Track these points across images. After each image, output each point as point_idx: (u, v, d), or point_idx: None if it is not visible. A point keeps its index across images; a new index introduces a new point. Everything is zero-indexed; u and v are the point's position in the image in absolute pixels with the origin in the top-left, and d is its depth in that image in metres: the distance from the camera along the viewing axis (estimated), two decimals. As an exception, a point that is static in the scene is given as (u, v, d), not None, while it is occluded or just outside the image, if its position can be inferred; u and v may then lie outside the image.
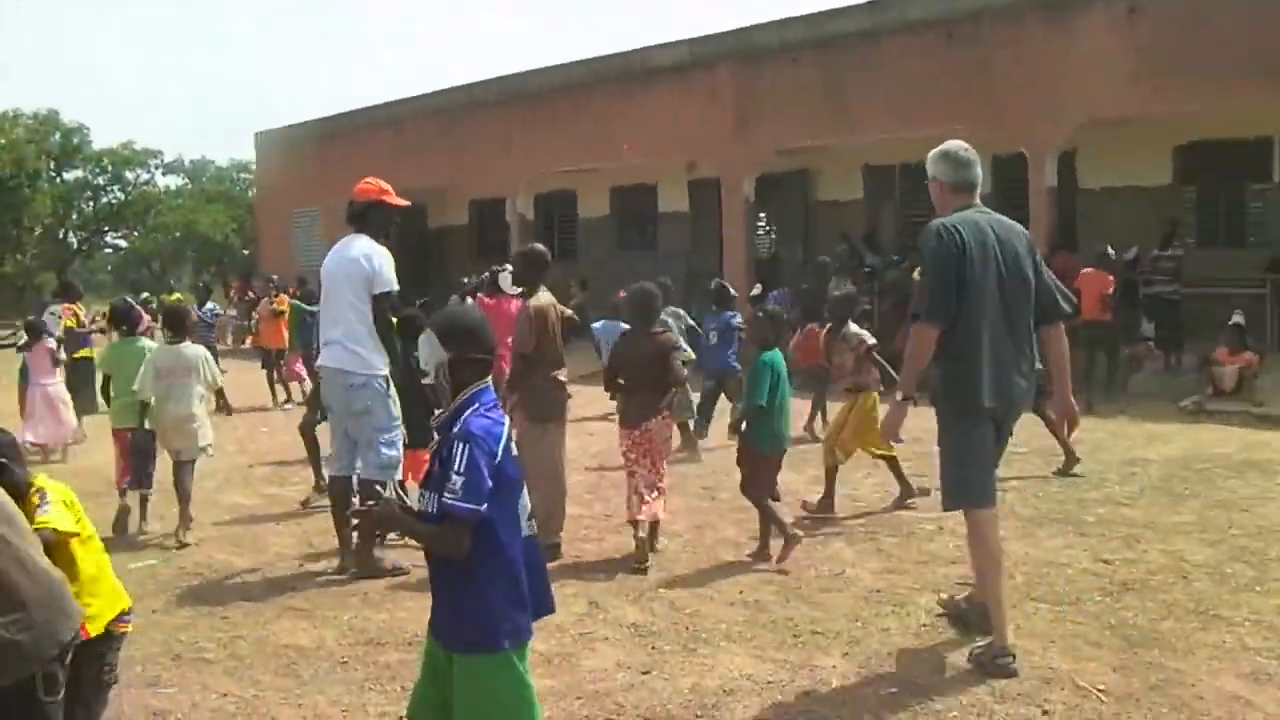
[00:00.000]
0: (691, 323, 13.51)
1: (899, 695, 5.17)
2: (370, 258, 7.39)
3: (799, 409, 9.91)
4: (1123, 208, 18.54)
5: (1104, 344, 14.30)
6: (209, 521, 9.23)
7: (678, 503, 8.99)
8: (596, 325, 13.77)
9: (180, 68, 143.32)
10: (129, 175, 59.01)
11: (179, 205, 61.65)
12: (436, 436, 3.82)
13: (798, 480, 9.65)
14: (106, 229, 61.12)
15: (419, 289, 17.70)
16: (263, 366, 18.14)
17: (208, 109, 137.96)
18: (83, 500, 4.44)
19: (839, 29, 19.89)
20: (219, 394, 14.52)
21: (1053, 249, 16.28)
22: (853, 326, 9.41)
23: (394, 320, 7.56)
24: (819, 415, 12.54)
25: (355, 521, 6.14)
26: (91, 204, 58.33)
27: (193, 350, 9.19)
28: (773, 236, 25.03)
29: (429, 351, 3.80)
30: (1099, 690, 5.10)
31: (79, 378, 15.71)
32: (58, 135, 53.92)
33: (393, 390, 7.53)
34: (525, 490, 3.77)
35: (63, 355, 13.92)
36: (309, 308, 15.64)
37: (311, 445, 10.02)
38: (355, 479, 7.56)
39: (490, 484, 3.55)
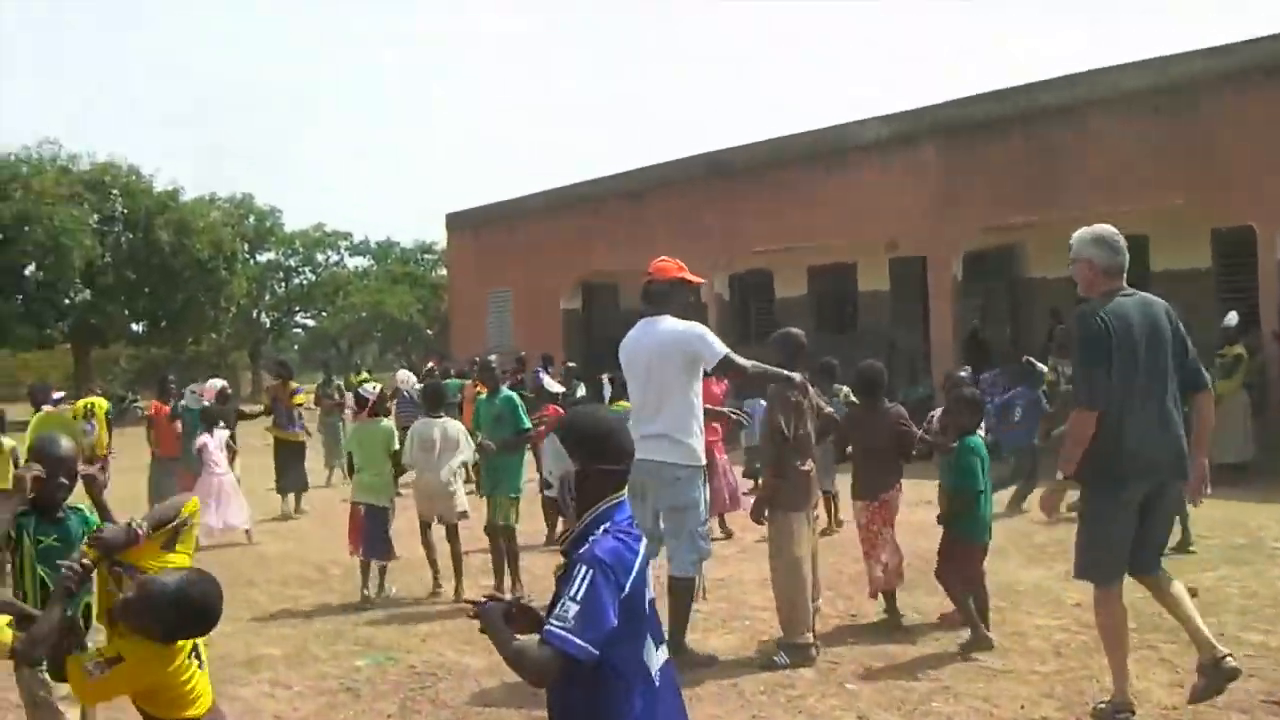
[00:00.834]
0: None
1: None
2: (691, 336, 7.30)
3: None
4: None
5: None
6: (434, 612, 9.51)
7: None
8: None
9: (366, 151, 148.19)
10: (319, 257, 61.33)
11: (366, 286, 63.84)
12: (562, 558, 3.34)
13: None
14: (297, 309, 63.52)
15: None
16: None
17: (394, 191, 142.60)
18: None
19: (1048, 101, 19.70)
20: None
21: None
22: None
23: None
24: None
25: None
26: (283, 285, 60.70)
27: (455, 425, 10.32)
28: (977, 316, 24.78)
29: (553, 459, 3.42)
30: None
31: (288, 458, 16.38)
32: (252, 218, 56.40)
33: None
34: (658, 624, 3.39)
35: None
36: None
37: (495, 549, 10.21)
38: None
39: (614, 622, 3.09)
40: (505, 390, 10.60)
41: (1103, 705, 6.17)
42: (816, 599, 7.86)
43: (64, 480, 4.89)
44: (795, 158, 24.04)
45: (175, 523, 4.42)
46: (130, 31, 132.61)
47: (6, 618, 4.40)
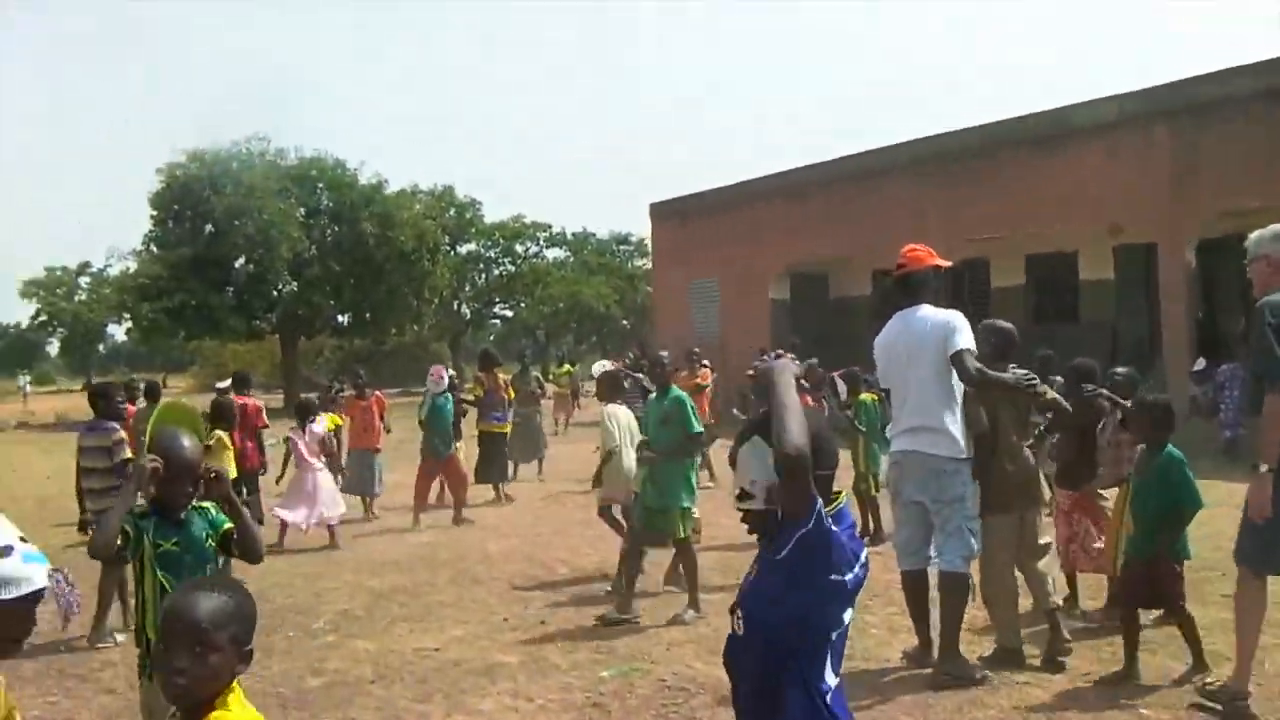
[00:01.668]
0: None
1: None
2: (949, 324, 7.09)
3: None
4: None
5: None
6: (662, 619, 9.21)
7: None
8: None
9: (567, 141, 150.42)
10: (518, 248, 62.46)
11: (564, 277, 64.85)
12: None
13: None
14: (497, 300, 64.83)
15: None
16: None
17: (592, 182, 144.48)
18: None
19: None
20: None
21: None
22: None
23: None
24: None
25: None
26: (483, 276, 61.97)
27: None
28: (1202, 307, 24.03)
29: (755, 467, 3.22)
30: None
31: (492, 449, 16.72)
32: (452, 210, 57.72)
33: None
34: (841, 650, 3.20)
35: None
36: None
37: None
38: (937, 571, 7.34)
39: (854, 574, 3.07)
40: (675, 389, 9.94)
41: (1212, 685, 6.50)
42: (1046, 601, 7.59)
43: (187, 483, 4.70)
44: (1013, 141, 23.68)
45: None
46: (331, 32, 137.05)
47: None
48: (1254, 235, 6.29)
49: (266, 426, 14.17)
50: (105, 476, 9.11)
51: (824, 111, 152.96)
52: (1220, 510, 8.79)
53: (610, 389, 10.88)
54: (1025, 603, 7.64)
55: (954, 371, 7.07)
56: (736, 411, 16.27)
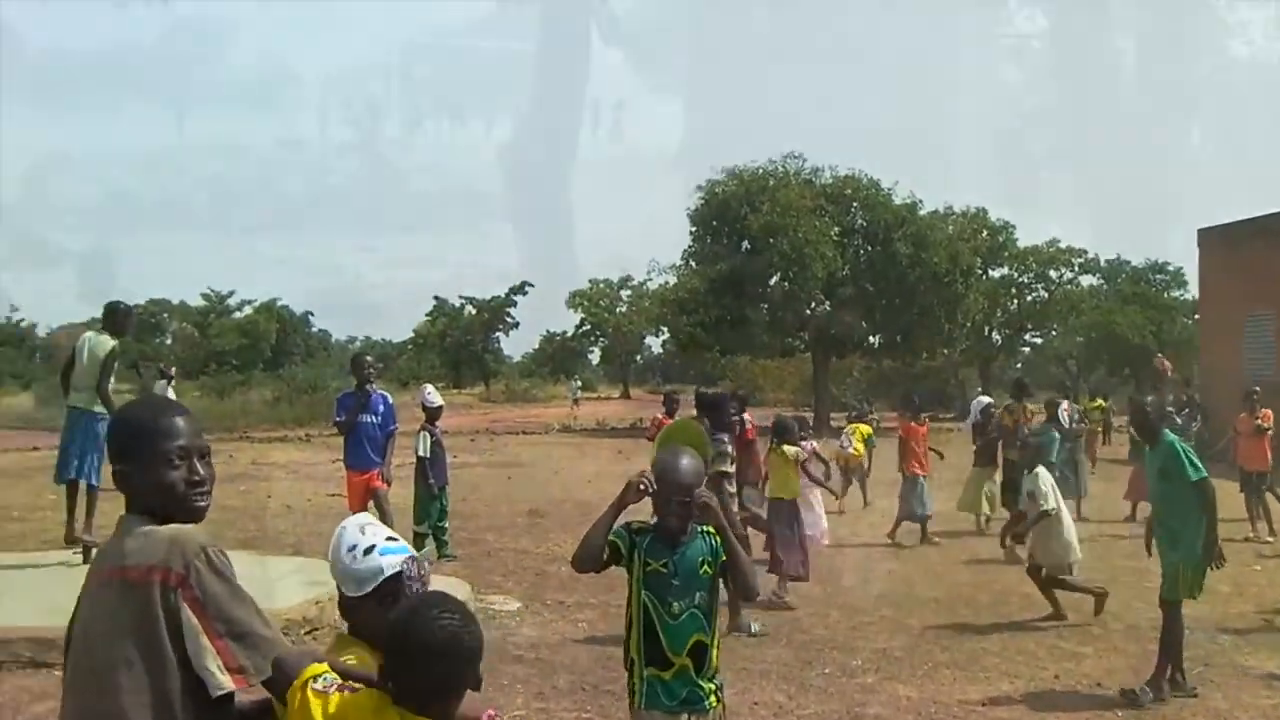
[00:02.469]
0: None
1: None
2: None
3: None
4: None
5: None
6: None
7: None
8: None
9: (1096, 165, 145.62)
10: (1052, 274, 61.31)
11: (1097, 306, 63.11)
12: None
13: None
14: (1028, 327, 63.91)
15: None
16: (1241, 489, 17.01)
17: (1125, 205, 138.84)
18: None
19: None
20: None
21: None
22: None
23: None
24: None
25: None
26: (1015, 302, 61.27)
27: None
28: None
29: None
30: None
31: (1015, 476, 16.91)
32: (985, 233, 57.42)
33: None
34: None
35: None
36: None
37: None
38: None
39: None
40: (1169, 435, 8.71)
41: None
42: None
43: (678, 505, 4.63)
44: None
45: None
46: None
47: None
48: None
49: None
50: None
51: None
52: None
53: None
54: None
55: None
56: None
